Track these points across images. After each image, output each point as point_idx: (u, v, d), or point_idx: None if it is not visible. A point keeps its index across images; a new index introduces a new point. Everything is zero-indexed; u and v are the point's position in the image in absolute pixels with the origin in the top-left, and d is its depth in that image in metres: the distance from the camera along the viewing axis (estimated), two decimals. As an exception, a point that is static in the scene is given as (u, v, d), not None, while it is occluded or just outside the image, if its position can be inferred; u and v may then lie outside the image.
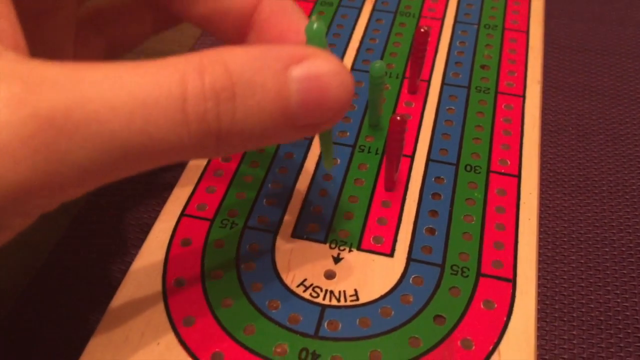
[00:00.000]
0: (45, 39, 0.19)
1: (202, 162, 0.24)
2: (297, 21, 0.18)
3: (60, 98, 0.13)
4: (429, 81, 0.27)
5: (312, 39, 0.16)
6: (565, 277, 0.23)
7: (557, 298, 0.22)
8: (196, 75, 0.14)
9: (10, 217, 0.14)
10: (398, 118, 0.21)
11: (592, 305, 0.22)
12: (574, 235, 0.24)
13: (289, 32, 0.18)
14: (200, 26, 0.19)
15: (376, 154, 0.24)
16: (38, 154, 0.13)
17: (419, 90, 0.27)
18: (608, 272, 0.23)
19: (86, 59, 0.21)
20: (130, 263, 0.21)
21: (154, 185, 0.26)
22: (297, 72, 0.15)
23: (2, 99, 0.12)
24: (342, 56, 0.29)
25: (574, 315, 0.22)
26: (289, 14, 0.18)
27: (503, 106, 0.26)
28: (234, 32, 0.19)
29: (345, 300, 0.20)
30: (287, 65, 0.15)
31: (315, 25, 0.16)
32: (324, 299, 0.20)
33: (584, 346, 0.21)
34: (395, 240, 0.22)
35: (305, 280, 0.20)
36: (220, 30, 0.19)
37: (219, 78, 0.14)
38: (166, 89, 0.13)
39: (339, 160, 0.20)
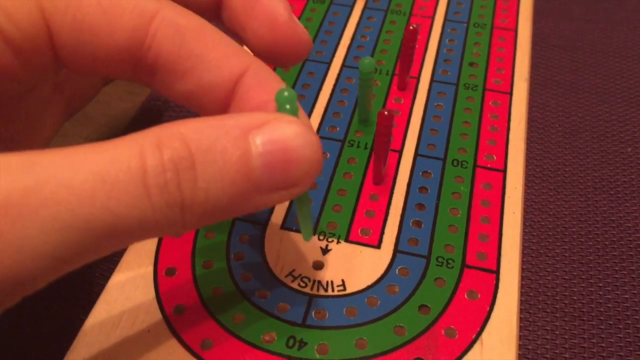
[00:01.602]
0: (25, 113, 0.19)
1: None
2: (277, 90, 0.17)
3: (15, 182, 0.12)
4: (418, 78, 0.28)
5: (282, 107, 0.16)
6: (549, 269, 0.23)
7: (540, 290, 0.23)
8: (154, 149, 0.14)
9: None
10: (386, 113, 0.21)
11: (574, 297, 0.23)
12: (558, 229, 0.25)
13: (268, 102, 0.17)
14: (179, 102, 0.19)
15: (365, 148, 0.25)
16: None
17: (408, 86, 0.28)
18: (591, 265, 0.24)
19: (49, 118, 0.21)
20: (122, 252, 0.22)
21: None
22: (259, 136, 0.15)
23: None
24: (333, 53, 0.29)
25: (557, 306, 0.22)
26: (270, 84, 0.18)
27: (490, 103, 0.27)
28: (214, 106, 0.18)
29: (333, 290, 0.20)
30: (248, 131, 0.15)
31: (285, 93, 0.16)
32: (311, 289, 0.20)
33: (566, 337, 0.22)
34: (382, 233, 0.22)
35: (293, 270, 0.21)
36: (201, 105, 0.18)
37: (177, 149, 0.14)
38: (125, 164, 0.13)
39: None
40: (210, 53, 0.17)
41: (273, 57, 0.20)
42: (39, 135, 0.20)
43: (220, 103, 0.18)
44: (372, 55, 0.29)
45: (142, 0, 0.17)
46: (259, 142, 0.15)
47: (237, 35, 0.21)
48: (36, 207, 0.12)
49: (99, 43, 0.17)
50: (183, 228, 0.15)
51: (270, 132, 0.15)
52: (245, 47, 0.19)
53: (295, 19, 0.20)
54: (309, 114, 0.26)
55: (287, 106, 0.16)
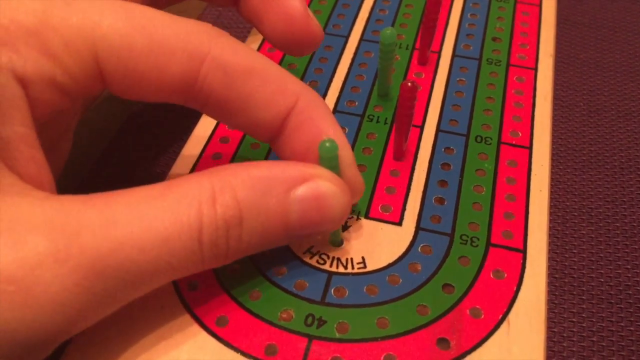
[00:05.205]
0: (62, 125, 0.20)
1: (206, 133, 0.24)
2: (324, 131, 0.18)
3: (98, 247, 0.14)
4: (439, 53, 0.27)
5: (323, 158, 0.18)
6: (575, 251, 0.23)
7: (566, 272, 0.22)
8: (210, 206, 0.16)
9: (46, 351, 0.15)
10: (409, 84, 0.20)
11: (602, 280, 0.22)
12: (584, 210, 0.24)
13: (314, 143, 0.18)
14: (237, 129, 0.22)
15: (385, 123, 0.24)
16: (81, 296, 0.14)
17: (429, 61, 0.27)
18: (618, 247, 0.23)
19: (74, 119, 0.21)
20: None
21: (159, 154, 0.26)
22: (299, 192, 0.17)
23: (49, 255, 0.14)
24: (350, 27, 0.28)
25: (584, 289, 0.22)
26: (318, 123, 0.19)
27: (514, 78, 0.26)
28: (266, 136, 0.19)
29: (353, 268, 0.20)
30: (290, 188, 0.17)
31: (327, 144, 0.17)
32: (330, 265, 0.20)
33: (594, 320, 0.21)
34: (403, 209, 0.21)
35: (312, 247, 0.20)
36: (253, 135, 0.19)
37: (229, 207, 0.16)
38: (186, 223, 0.15)
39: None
40: (259, 92, 0.18)
41: (287, 47, 0.22)
42: (69, 134, 0.21)
43: (271, 134, 0.19)
44: (391, 29, 0.28)
45: (191, 41, 0.17)
46: (298, 198, 0.17)
47: (252, 25, 0.22)
48: (115, 266, 0.14)
49: (150, 85, 0.17)
50: (220, 266, 0.17)
51: (310, 190, 0.17)
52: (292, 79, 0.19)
53: (310, 12, 0.21)
54: (327, 88, 0.26)
55: (328, 158, 0.18)
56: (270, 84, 0.18)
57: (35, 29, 0.16)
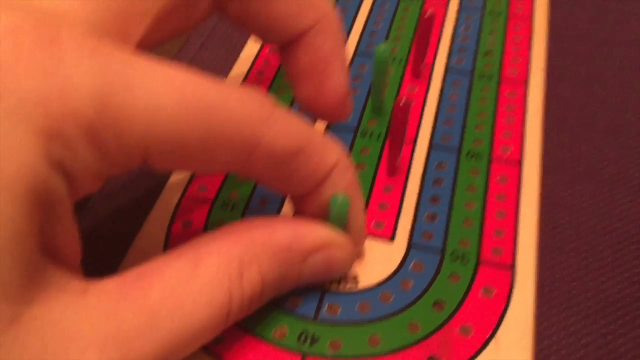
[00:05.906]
0: None
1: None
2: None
3: (147, 354, 0.15)
4: (432, 66, 0.27)
5: (334, 211, 0.19)
6: (564, 265, 0.23)
7: (555, 285, 0.22)
8: (238, 285, 0.17)
9: None
10: (402, 103, 0.21)
11: (590, 294, 0.22)
12: (573, 224, 0.24)
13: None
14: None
15: (378, 138, 0.24)
16: None
17: (422, 75, 0.27)
18: (608, 261, 0.23)
19: None
20: (129, 244, 0.21)
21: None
22: (313, 260, 0.18)
23: None
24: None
25: (573, 303, 0.22)
26: (344, 189, 0.19)
27: (506, 94, 0.26)
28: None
29: (345, 285, 0.20)
30: (307, 256, 0.18)
31: (339, 200, 0.18)
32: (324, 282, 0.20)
33: (582, 334, 0.21)
34: (396, 226, 0.22)
35: (305, 264, 0.20)
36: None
37: (254, 284, 0.17)
38: (218, 308, 0.16)
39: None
40: (301, 171, 0.18)
41: (310, 112, 0.22)
42: None
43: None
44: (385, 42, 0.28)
45: (245, 129, 0.16)
46: (311, 264, 0.19)
47: (288, 79, 0.22)
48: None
49: (193, 168, 0.19)
50: None
51: (322, 258, 0.19)
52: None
53: (350, 93, 0.22)
54: (321, 103, 0.26)
55: (339, 214, 0.19)
56: (312, 161, 0.18)
57: (90, 123, 0.14)
